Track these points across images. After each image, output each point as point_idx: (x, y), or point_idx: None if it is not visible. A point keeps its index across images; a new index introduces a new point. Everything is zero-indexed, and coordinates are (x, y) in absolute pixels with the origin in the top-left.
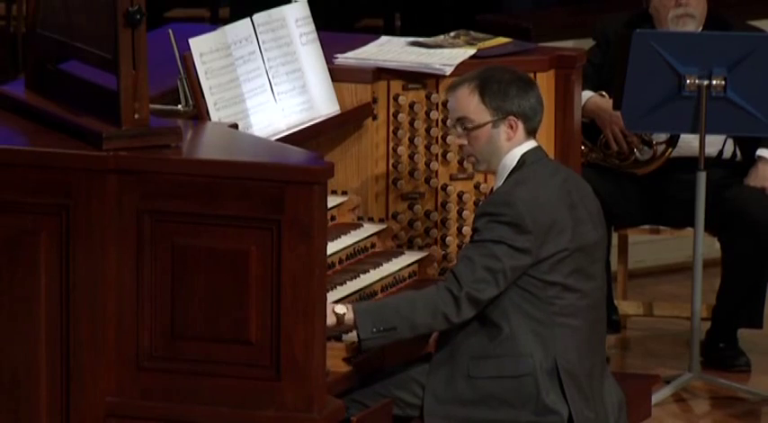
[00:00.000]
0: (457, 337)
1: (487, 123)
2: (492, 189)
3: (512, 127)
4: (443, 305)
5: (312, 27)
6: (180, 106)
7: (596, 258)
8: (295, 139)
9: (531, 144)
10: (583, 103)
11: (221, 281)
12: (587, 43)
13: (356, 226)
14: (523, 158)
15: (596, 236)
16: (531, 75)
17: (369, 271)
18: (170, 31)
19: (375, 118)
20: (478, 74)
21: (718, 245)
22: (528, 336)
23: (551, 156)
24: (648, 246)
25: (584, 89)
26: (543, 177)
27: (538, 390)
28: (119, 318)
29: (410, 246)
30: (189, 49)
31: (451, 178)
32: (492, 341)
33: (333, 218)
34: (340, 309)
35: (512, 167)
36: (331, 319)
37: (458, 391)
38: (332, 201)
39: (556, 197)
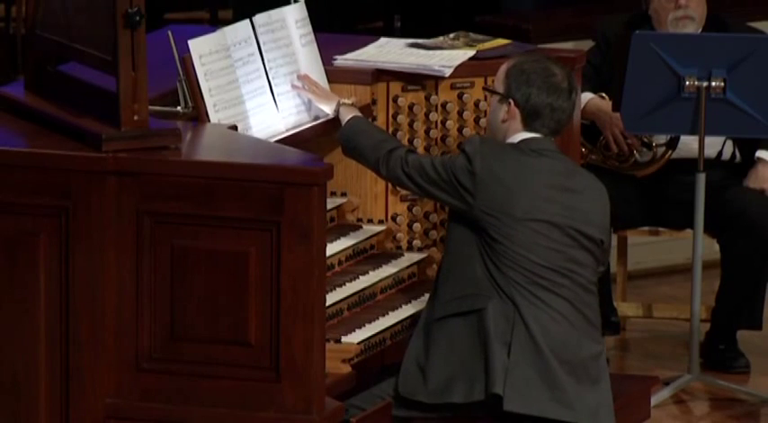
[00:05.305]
0: (437, 292)
1: (496, 94)
2: None
3: (508, 111)
4: (385, 151)
5: (310, 28)
6: (179, 108)
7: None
8: (294, 140)
9: (534, 135)
10: (583, 104)
11: (221, 282)
12: (587, 44)
13: (356, 227)
14: (519, 145)
15: (589, 229)
16: None
17: (368, 272)
18: (169, 33)
19: (374, 119)
20: (526, 54)
21: (717, 246)
22: (488, 284)
23: None
24: (648, 247)
25: (583, 90)
26: (525, 164)
27: (486, 330)
28: (118, 319)
29: (409, 247)
30: (188, 50)
31: None
32: (460, 281)
33: (332, 219)
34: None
35: None
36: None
37: (422, 341)
38: (331, 202)
39: (528, 180)
